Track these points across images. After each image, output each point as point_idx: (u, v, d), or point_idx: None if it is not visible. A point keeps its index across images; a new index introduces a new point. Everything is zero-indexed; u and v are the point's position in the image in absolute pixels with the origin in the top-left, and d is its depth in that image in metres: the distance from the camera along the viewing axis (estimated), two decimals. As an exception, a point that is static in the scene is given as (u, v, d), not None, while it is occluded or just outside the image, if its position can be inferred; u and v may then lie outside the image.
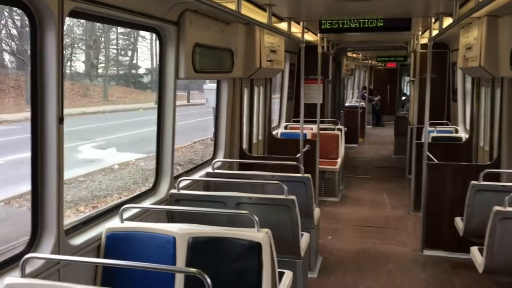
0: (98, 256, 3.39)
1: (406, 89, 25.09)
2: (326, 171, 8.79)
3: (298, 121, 7.22)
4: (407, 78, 25.47)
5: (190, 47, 4.60)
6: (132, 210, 3.87)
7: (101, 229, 3.47)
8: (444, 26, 5.47)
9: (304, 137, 7.57)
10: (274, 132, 8.98)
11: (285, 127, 9.85)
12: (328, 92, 12.10)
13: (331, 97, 12.66)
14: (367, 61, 20.07)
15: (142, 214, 3.98)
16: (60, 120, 2.96)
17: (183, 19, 4.45)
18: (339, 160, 9.22)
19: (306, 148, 7.47)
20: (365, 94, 19.15)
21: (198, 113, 20.91)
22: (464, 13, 4.10)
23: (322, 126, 8.66)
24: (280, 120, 10.19)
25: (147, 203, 4.34)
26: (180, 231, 3.32)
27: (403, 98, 24.98)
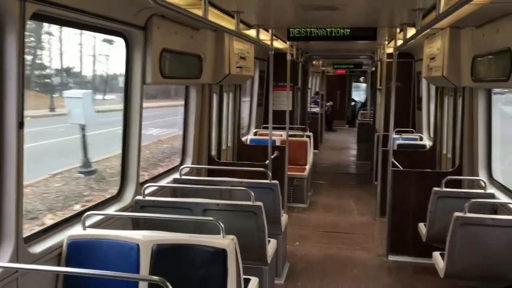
0: (59, 265, 3.31)
1: (357, 96, 25.59)
2: (294, 177, 8.85)
3: (267, 128, 7.26)
4: (355, 84, 26.08)
5: (158, 52, 4.57)
6: (95, 217, 3.80)
7: (63, 236, 3.39)
8: (408, 36, 5.61)
9: (273, 143, 7.60)
10: (243, 139, 8.99)
11: (255, 134, 9.87)
12: (298, 99, 12.21)
13: (300, 104, 12.77)
14: (324, 68, 20.30)
15: (106, 221, 3.90)
16: (20, 124, 2.89)
17: (150, 24, 4.42)
18: (307, 167, 9.29)
19: (275, 154, 7.51)
20: (317, 100, 19.22)
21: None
22: (426, 24, 4.22)
23: (291, 132, 8.72)
24: (250, 126, 10.20)
25: (111, 210, 4.26)
26: (144, 238, 3.28)
27: (352, 103, 25.40)
